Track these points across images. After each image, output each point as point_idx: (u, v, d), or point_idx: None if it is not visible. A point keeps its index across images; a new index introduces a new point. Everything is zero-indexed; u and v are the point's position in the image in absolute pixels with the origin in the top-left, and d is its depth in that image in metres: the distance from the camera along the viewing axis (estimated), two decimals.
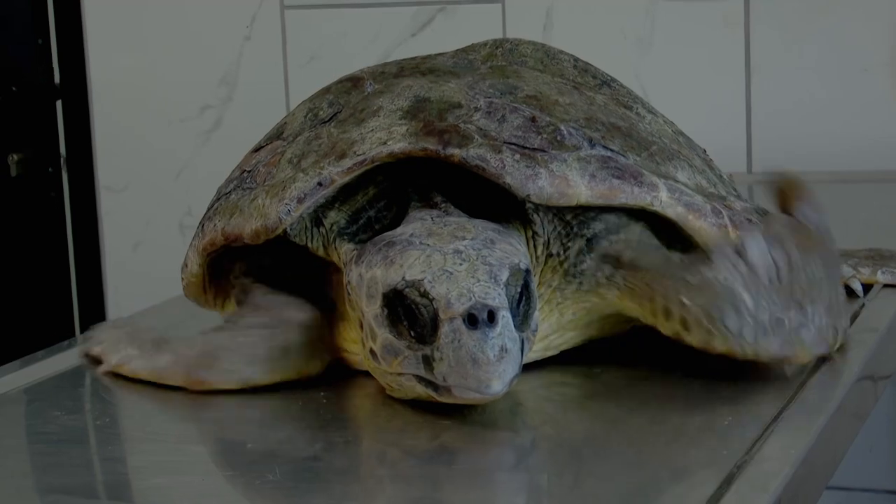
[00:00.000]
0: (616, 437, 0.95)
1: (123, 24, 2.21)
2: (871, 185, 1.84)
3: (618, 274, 1.05)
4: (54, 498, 0.91)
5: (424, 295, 0.95)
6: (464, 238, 0.98)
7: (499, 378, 0.93)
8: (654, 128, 1.15)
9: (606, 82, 1.19)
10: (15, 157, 2.25)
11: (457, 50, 1.21)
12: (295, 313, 1.06)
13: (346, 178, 1.06)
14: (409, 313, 0.96)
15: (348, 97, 1.13)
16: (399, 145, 1.05)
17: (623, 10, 1.97)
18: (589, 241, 1.07)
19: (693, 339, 1.00)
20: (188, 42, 2.18)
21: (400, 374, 0.97)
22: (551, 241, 1.07)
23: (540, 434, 0.99)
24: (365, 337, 0.99)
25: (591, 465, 0.93)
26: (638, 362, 1.06)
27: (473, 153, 1.05)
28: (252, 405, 1.03)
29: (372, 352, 0.99)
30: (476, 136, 1.06)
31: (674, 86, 1.94)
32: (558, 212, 1.07)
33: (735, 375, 1.02)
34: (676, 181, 1.09)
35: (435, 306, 0.94)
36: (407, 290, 0.96)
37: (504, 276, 0.96)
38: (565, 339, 1.08)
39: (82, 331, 2.25)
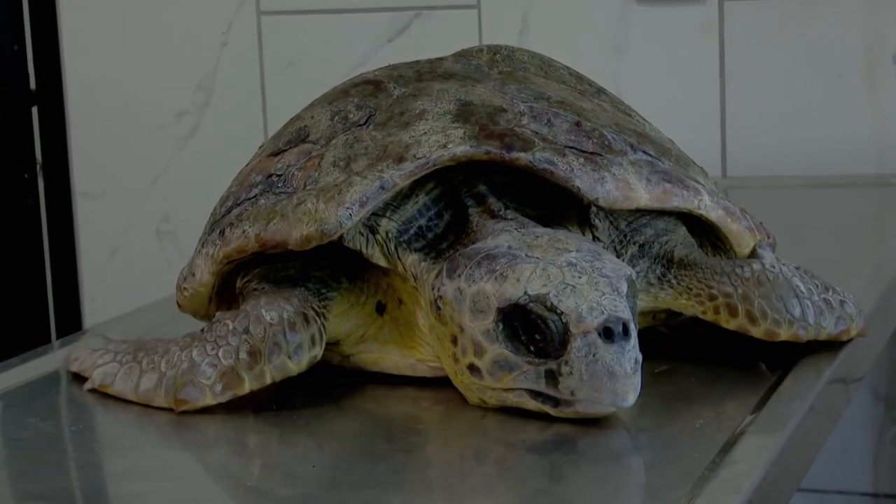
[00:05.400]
0: (587, 441, 0.95)
1: (99, 30, 2.20)
2: (846, 189, 1.85)
3: (670, 273, 1.07)
4: None
5: (552, 309, 0.93)
6: (567, 250, 0.97)
7: (634, 390, 0.93)
8: (658, 135, 1.15)
9: (601, 90, 1.19)
10: None
11: (455, 55, 1.18)
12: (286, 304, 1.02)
13: (408, 182, 1.03)
14: (530, 328, 0.94)
15: (376, 100, 1.10)
16: (460, 149, 1.03)
17: (598, 15, 1.98)
18: (641, 246, 1.08)
19: (759, 330, 1.04)
20: (164, 48, 2.18)
21: (508, 390, 0.96)
22: (609, 246, 1.07)
23: (506, 441, 0.99)
24: (461, 352, 0.97)
25: (562, 471, 0.93)
26: None
27: (539, 156, 1.03)
28: (230, 407, 1.02)
29: (472, 367, 0.97)
30: (536, 140, 1.04)
31: (649, 90, 1.94)
32: (613, 218, 1.07)
33: (707, 378, 1.03)
34: (705, 185, 1.10)
35: (564, 320, 0.93)
36: (531, 304, 0.94)
37: (624, 287, 0.95)
38: None
39: (58, 337, 2.26)
